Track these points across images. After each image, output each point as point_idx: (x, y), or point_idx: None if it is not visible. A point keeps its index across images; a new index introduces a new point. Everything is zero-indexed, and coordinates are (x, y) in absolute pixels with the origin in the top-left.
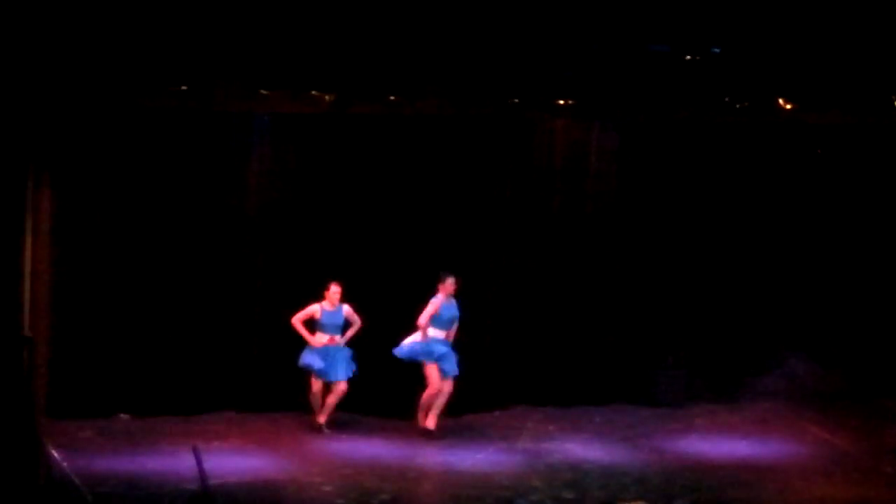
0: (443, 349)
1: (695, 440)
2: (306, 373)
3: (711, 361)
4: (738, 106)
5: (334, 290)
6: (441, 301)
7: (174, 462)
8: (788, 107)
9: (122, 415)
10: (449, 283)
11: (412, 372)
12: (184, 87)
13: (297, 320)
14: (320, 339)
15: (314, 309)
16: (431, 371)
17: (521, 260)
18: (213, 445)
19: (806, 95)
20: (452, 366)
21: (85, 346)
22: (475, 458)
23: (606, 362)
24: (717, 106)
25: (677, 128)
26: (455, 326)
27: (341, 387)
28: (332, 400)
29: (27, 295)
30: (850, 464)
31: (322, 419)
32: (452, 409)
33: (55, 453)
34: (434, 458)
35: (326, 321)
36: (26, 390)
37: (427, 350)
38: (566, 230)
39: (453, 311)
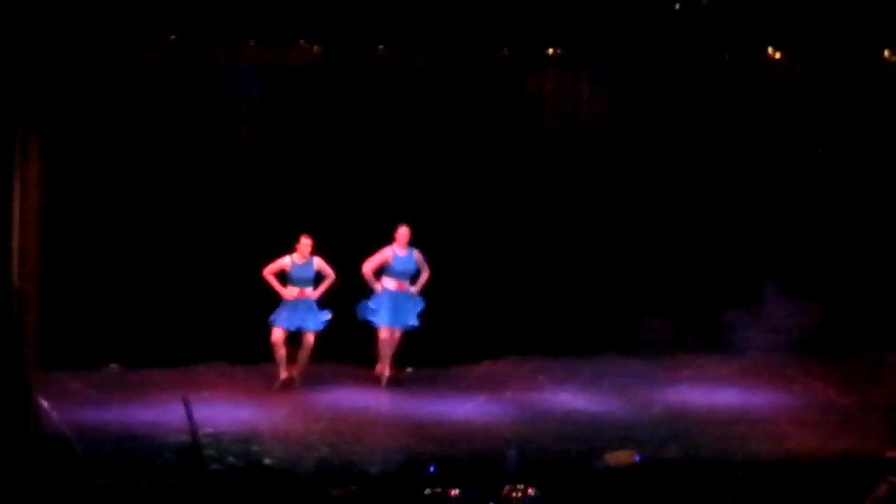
0: (387, 302)
1: (684, 390)
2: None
3: (701, 311)
4: (727, 56)
5: (304, 242)
6: (392, 251)
7: (164, 413)
8: (778, 56)
9: (112, 366)
10: (402, 233)
11: None
12: (172, 38)
13: (269, 272)
14: (290, 292)
15: (284, 262)
16: (381, 328)
17: (511, 211)
18: (202, 396)
19: (795, 47)
20: (397, 317)
21: (74, 298)
22: (463, 409)
23: (595, 312)
24: (707, 56)
25: (667, 77)
26: (422, 278)
27: (309, 339)
28: (303, 354)
29: (16, 247)
30: (839, 415)
31: (294, 372)
32: (441, 359)
33: (45, 404)
34: (422, 408)
35: (296, 274)
36: (16, 342)
37: (368, 307)
38: (556, 181)
39: (406, 262)
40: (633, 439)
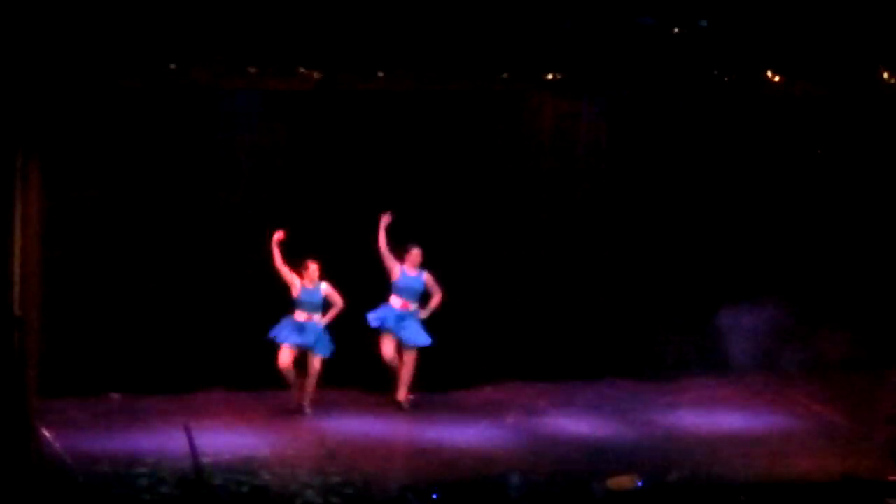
0: (394, 318)
1: (686, 413)
2: (276, 346)
3: (702, 334)
4: (725, 78)
5: (312, 267)
6: (402, 268)
7: (166, 441)
8: (776, 79)
9: (113, 394)
10: (414, 255)
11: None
12: (171, 66)
13: (280, 264)
14: (298, 316)
15: (294, 281)
16: (383, 341)
17: (511, 235)
18: (204, 423)
19: (793, 67)
20: (411, 336)
21: (76, 326)
22: (465, 434)
23: (596, 336)
24: (705, 78)
25: (666, 101)
26: (433, 301)
27: (316, 364)
28: (310, 380)
29: (17, 275)
30: (841, 435)
31: (304, 401)
32: (442, 384)
33: (46, 433)
34: (424, 434)
35: (305, 298)
36: (17, 370)
37: (380, 317)
38: (556, 204)
39: (414, 282)
40: (635, 463)
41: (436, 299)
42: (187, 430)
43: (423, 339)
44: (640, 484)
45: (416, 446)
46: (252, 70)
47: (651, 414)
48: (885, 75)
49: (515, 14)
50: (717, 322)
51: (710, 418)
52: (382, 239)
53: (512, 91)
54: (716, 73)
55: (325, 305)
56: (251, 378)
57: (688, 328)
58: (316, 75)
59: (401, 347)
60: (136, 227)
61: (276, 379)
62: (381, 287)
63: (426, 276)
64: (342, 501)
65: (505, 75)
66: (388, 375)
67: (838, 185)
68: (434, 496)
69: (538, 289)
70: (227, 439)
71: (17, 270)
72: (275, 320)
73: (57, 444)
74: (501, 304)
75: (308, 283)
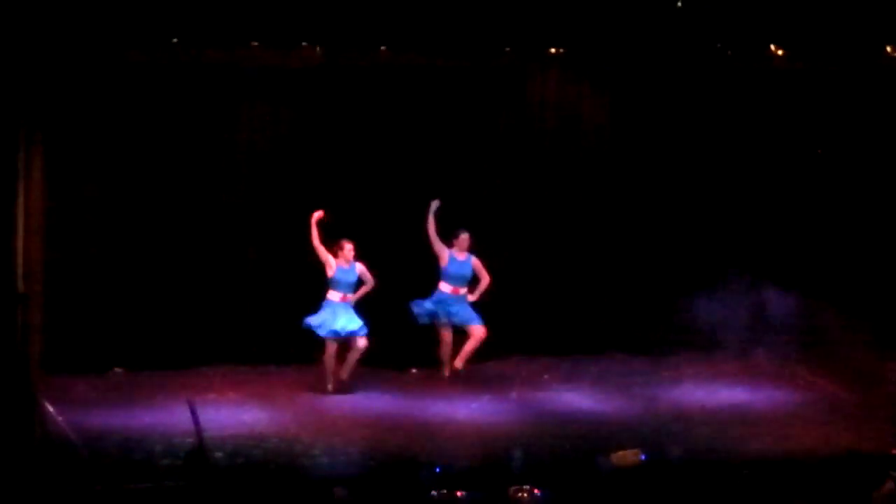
0: (442, 311)
1: (689, 388)
2: (319, 338)
3: (706, 310)
4: (729, 52)
5: (347, 247)
6: (450, 253)
7: (169, 416)
8: (780, 53)
9: (116, 369)
10: (462, 240)
11: (400, 322)
12: (174, 41)
13: (317, 242)
14: (333, 296)
15: (330, 260)
16: (440, 331)
17: (514, 211)
18: (208, 399)
19: (797, 42)
20: (464, 318)
21: (79, 302)
22: (469, 409)
23: (600, 311)
24: (709, 53)
25: (670, 75)
26: (482, 284)
27: (362, 342)
28: (353, 356)
29: (20, 251)
30: (846, 410)
31: (343, 374)
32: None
33: (50, 409)
34: (427, 409)
35: (340, 278)
36: (20, 346)
37: (430, 311)
38: (560, 181)
39: (463, 267)
40: (638, 438)
41: (484, 282)
42: (191, 405)
43: (476, 319)
44: (643, 458)
45: (419, 422)
46: (255, 44)
47: (654, 389)
48: (889, 50)
49: None
50: (722, 298)
51: (714, 393)
52: (431, 225)
53: (515, 66)
54: (719, 46)
55: (358, 285)
56: (254, 353)
57: (691, 304)
58: (318, 50)
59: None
60: (138, 204)
61: (279, 355)
62: (387, 265)
63: (474, 261)
64: (344, 476)
65: (508, 50)
66: (437, 356)
67: (841, 163)
68: (437, 470)
69: (541, 264)
70: (230, 414)
71: (19, 247)
72: (280, 296)
73: (61, 420)
74: (504, 279)
75: (343, 263)
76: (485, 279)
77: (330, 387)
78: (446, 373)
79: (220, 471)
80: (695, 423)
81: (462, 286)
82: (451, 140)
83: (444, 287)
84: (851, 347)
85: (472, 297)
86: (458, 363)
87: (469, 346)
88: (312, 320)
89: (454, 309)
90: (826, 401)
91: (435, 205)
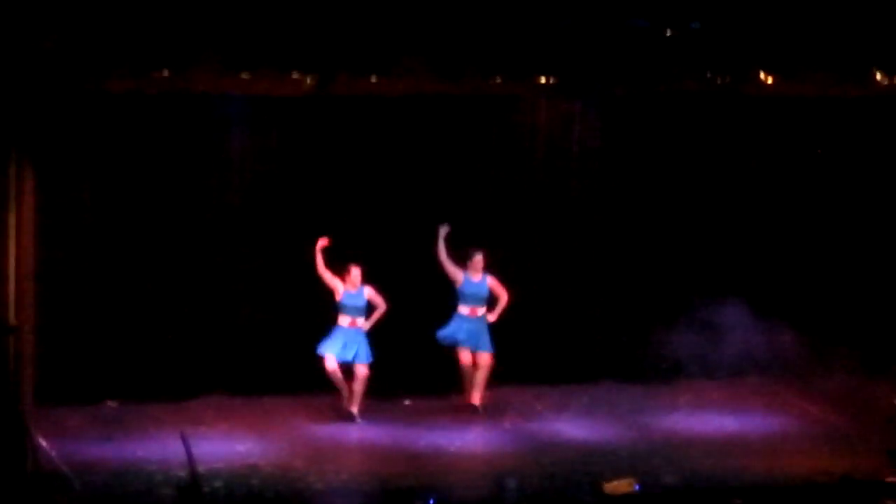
0: (462, 328)
1: (682, 416)
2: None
3: (698, 337)
4: (718, 80)
5: (354, 272)
6: (465, 274)
7: (162, 448)
8: (769, 80)
9: (109, 401)
10: (476, 261)
11: (397, 351)
12: (164, 72)
13: (323, 270)
14: (342, 321)
15: (337, 285)
16: (460, 352)
17: (505, 238)
18: (200, 431)
19: (786, 68)
20: (476, 342)
21: (71, 333)
22: (462, 439)
23: (592, 339)
24: (698, 80)
25: (660, 103)
26: (501, 303)
27: (362, 371)
28: (357, 387)
29: (12, 282)
30: (838, 437)
31: (353, 409)
32: (439, 388)
33: (42, 441)
34: (421, 439)
35: (347, 303)
36: (12, 378)
37: (449, 335)
38: (550, 206)
39: (479, 288)
40: (631, 467)
41: (502, 301)
42: (184, 438)
43: (487, 346)
44: (637, 488)
45: (413, 452)
46: (245, 75)
47: (647, 417)
48: (879, 76)
49: (508, 17)
50: (714, 325)
51: (707, 420)
52: (443, 250)
53: (505, 94)
54: (709, 74)
55: (369, 310)
56: (247, 384)
57: (684, 330)
58: (309, 80)
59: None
60: (131, 233)
61: (273, 385)
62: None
63: (490, 280)
64: None
65: (498, 79)
66: (460, 382)
67: (832, 187)
68: (431, 502)
69: (533, 291)
70: (223, 446)
71: (11, 277)
72: (273, 326)
73: (53, 452)
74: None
75: (351, 288)
76: (503, 297)
77: (354, 409)
78: (474, 401)
79: (213, 503)
80: (688, 450)
81: (479, 306)
82: (440, 167)
83: (463, 309)
84: (841, 373)
85: (491, 318)
86: (476, 400)
87: (479, 378)
88: (323, 345)
89: (471, 330)
90: (818, 427)
91: (444, 230)
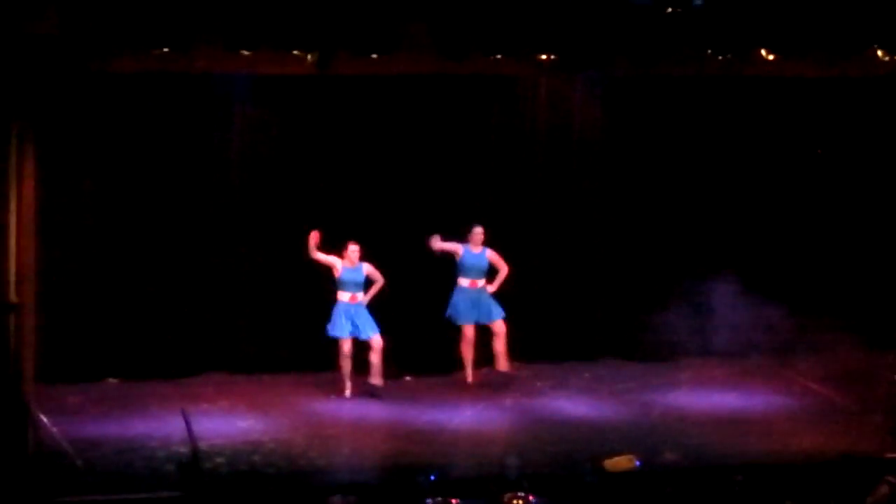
0: (466, 300)
1: (682, 394)
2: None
3: (699, 314)
4: (720, 58)
5: (352, 248)
6: (464, 247)
7: (163, 426)
8: (770, 58)
9: (110, 379)
10: (476, 234)
11: (399, 328)
12: (165, 50)
13: (316, 254)
14: (342, 297)
15: (334, 262)
16: (464, 328)
17: (507, 216)
18: (202, 408)
19: (788, 47)
20: (487, 312)
21: (72, 311)
22: (463, 416)
23: (593, 317)
24: (698, 58)
25: (661, 81)
26: (500, 275)
27: (377, 342)
28: (375, 358)
29: (13, 260)
30: (838, 416)
31: (377, 381)
32: (440, 367)
33: (44, 419)
34: (421, 416)
35: (347, 278)
36: (13, 356)
37: (456, 311)
38: (552, 186)
39: (479, 260)
40: (632, 444)
41: (502, 273)
42: (185, 415)
43: (499, 312)
44: (638, 464)
45: (414, 429)
46: (246, 53)
47: (648, 394)
48: (880, 54)
49: None
50: (713, 303)
51: (707, 398)
52: (437, 239)
53: (506, 73)
54: (710, 52)
55: (367, 285)
56: (248, 361)
57: (684, 309)
58: (310, 58)
59: (483, 327)
60: (132, 213)
61: (273, 363)
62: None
63: (489, 253)
64: (340, 484)
65: (498, 57)
66: (460, 359)
67: (831, 167)
68: (432, 478)
69: (534, 270)
70: (224, 423)
71: (12, 256)
72: (274, 304)
73: (55, 430)
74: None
75: (349, 264)
76: (503, 269)
77: (347, 392)
78: (468, 378)
79: (215, 480)
80: (688, 428)
81: (479, 278)
82: (441, 148)
83: (463, 282)
84: (844, 350)
85: (491, 288)
86: (503, 367)
87: (499, 347)
88: (329, 326)
89: (476, 301)
90: (819, 404)
91: (437, 244)
